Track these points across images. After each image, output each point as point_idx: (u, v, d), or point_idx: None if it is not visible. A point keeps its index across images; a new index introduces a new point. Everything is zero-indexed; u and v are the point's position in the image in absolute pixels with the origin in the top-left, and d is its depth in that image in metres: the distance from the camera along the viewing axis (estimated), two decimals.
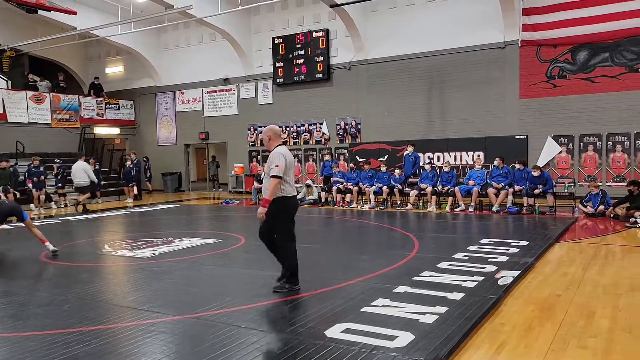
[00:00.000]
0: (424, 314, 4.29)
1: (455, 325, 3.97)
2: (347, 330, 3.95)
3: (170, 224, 11.33)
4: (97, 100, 20.16)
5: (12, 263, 7.30)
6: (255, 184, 14.70)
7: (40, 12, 14.75)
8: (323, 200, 13.87)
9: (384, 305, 4.57)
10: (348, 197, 13.30)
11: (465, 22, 14.27)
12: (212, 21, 16.33)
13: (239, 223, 11.50)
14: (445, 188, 12.07)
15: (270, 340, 3.85)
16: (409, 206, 12.29)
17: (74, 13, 15.69)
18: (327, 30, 16.41)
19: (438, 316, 4.22)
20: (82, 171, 14.02)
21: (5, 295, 5.35)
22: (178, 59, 19.84)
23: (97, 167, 16.58)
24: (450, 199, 11.97)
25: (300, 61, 16.88)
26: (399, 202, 12.57)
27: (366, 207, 12.76)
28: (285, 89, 17.49)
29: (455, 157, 14.51)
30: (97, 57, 21.95)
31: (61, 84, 20.04)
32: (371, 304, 4.62)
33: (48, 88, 18.96)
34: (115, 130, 20.99)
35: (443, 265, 6.09)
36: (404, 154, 13.57)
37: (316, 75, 16.64)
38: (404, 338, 3.75)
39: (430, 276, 5.57)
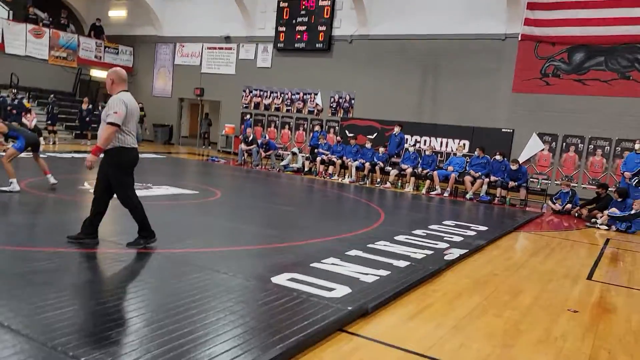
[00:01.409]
0: (366, 274, 4.63)
1: (390, 287, 4.31)
2: (292, 279, 4.28)
3: (152, 172, 11.57)
4: (96, 42, 20.11)
5: None
6: (242, 145, 14.93)
7: None
8: (306, 169, 14.15)
9: (332, 264, 4.90)
10: (331, 169, 13.59)
11: (469, 9, 14.35)
12: None
13: (219, 180, 11.79)
14: (425, 171, 12.38)
15: (220, 279, 4.17)
16: (388, 184, 12.60)
17: None
18: (334, 0, 16.41)
19: (378, 277, 4.56)
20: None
21: None
22: (182, 10, 19.73)
23: (90, 107, 16.73)
24: (428, 182, 12.29)
25: (303, 28, 16.91)
26: (379, 180, 12.89)
27: (347, 180, 13.06)
28: (285, 54, 17.55)
29: (441, 142, 14.76)
30: None
31: (62, 21, 19.93)
32: (321, 261, 4.95)
33: (48, 22, 18.84)
34: None
35: (400, 238, 6.42)
36: (391, 133, 13.82)
37: (317, 45, 16.71)
38: (341, 291, 4.08)
39: (384, 245, 5.90)
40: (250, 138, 14.99)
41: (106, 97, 20.04)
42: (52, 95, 16.30)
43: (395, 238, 6.37)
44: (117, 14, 21.61)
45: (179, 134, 21.11)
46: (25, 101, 15.78)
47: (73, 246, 4.68)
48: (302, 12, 16.88)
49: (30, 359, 2.58)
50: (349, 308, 3.69)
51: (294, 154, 14.75)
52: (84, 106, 16.74)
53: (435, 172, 12.13)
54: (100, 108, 16.96)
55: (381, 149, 13.21)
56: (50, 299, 3.41)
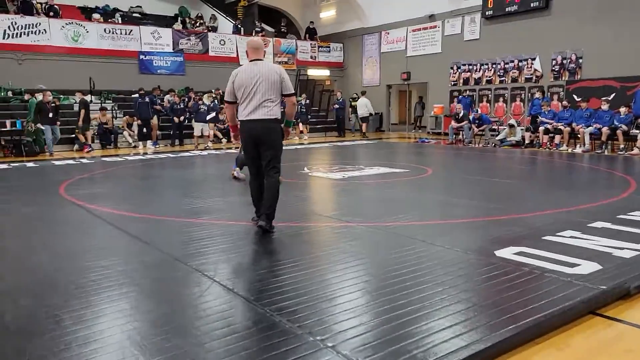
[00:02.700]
0: (620, 249, 3.71)
1: None
2: (520, 253, 3.66)
3: (364, 156, 11.82)
4: (311, 44, 21.63)
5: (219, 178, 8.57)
6: (453, 123, 14.18)
7: None
8: (527, 142, 12.68)
9: (571, 237, 4.08)
10: (557, 139, 11.89)
11: None
12: None
13: (430, 158, 11.35)
14: None
15: (435, 251, 3.81)
16: (636, 151, 10.41)
17: None
18: None
19: (639, 252, 3.60)
20: (364, 105, 17.93)
21: (223, 196, 6.38)
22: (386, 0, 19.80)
23: (307, 101, 18.11)
24: None
25: None
26: (622, 147, 10.74)
27: (579, 150, 11.25)
28: (494, 22, 16.07)
29: None
30: (313, 3, 23.32)
31: (282, 29, 22.00)
32: (556, 234, 4.16)
33: (272, 33, 20.99)
34: (326, 72, 22.32)
35: None
36: (637, 89, 11.38)
37: (532, 4, 14.84)
38: (587, 267, 3.31)
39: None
40: (461, 114, 14.14)
41: (322, 94, 21.64)
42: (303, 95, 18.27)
43: None
44: (328, 14, 22.87)
45: (388, 121, 21.33)
46: None
47: (299, 220, 4.88)
48: None
49: (246, 316, 2.64)
50: (603, 287, 2.93)
51: (511, 126, 13.37)
52: (302, 101, 18.17)
53: None
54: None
55: (622, 109, 10.99)
56: (270, 267, 3.54)
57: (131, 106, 14.79)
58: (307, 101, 18.54)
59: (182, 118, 14.69)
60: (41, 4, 16.10)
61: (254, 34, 20.21)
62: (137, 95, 14.29)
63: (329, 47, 22.00)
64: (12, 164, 10.17)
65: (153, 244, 4.06)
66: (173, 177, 8.62)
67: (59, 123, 12.29)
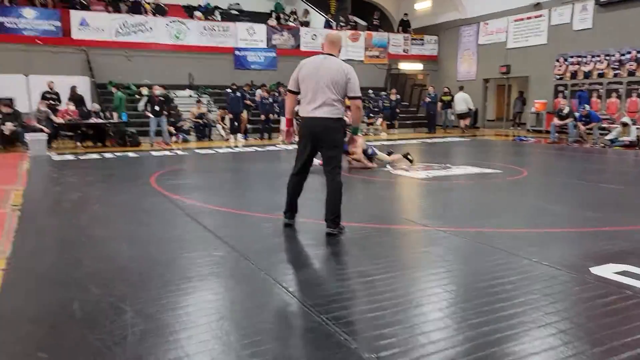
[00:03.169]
0: None
1: None
2: (623, 273, 3.17)
3: (453, 154, 11.25)
4: (404, 37, 21.07)
5: None
6: (555, 120, 13.05)
7: None
8: None
9: None
10: None
11: None
12: None
13: (527, 158, 10.52)
14: None
15: (520, 265, 3.42)
16: None
17: None
18: None
19: None
20: (462, 101, 17.54)
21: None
22: None
23: (398, 97, 17.67)
24: None
25: None
26: None
27: None
28: (610, 9, 14.51)
29: None
30: None
31: (374, 22, 21.68)
32: None
33: (364, 26, 20.77)
34: (419, 66, 21.63)
35: None
36: None
37: None
38: None
39: None
40: (566, 111, 12.96)
41: (413, 89, 21.15)
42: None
43: None
44: (423, 5, 22.13)
45: (484, 117, 20.21)
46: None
47: (373, 222, 4.69)
48: None
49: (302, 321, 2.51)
50: None
51: (624, 124, 11.99)
52: (392, 97, 17.74)
53: None
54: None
55: None
56: (336, 271, 3.39)
57: (225, 100, 15.38)
58: (398, 96, 18.07)
59: (270, 115, 15.01)
60: (149, 3, 17.24)
61: (338, 28, 20.10)
62: (229, 90, 14.81)
63: (423, 39, 21.30)
64: (116, 154, 10.98)
65: (224, 239, 4.07)
66: (256, 171, 8.77)
67: (165, 115, 12.94)
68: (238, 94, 14.62)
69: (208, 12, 19.90)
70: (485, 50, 19.12)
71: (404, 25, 21.41)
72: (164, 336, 2.37)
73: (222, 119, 15.05)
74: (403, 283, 3.10)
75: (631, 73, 14.18)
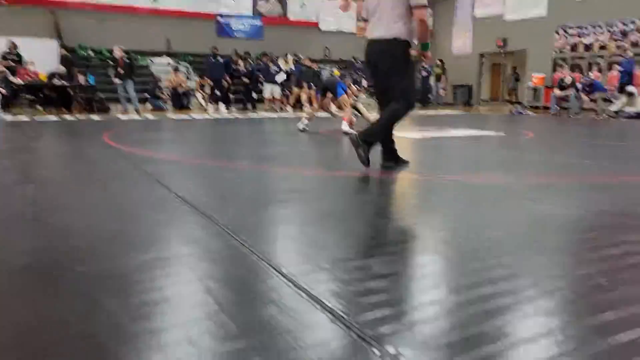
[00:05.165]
0: None
1: None
2: None
3: (450, 122, 10.41)
4: None
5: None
6: (556, 91, 12.25)
7: None
8: None
9: None
10: None
11: None
12: None
13: (530, 125, 9.65)
14: None
15: (539, 210, 2.58)
16: None
17: None
18: None
19: None
20: None
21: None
22: None
23: None
24: None
25: None
26: None
27: None
28: None
29: None
30: None
31: None
32: None
33: None
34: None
35: None
36: None
37: None
38: None
39: None
40: (568, 81, 12.16)
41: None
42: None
43: None
44: None
45: (478, 96, 19.39)
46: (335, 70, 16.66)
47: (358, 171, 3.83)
48: None
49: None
50: None
51: (630, 94, 11.21)
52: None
53: None
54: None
55: None
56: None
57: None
58: None
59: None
60: None
61: None
62: (210, 56, 13.80)
63: None
64: (77, 116, 9.96)
65: (171, 188, 3.19)
66: (231, 132, 7.86)
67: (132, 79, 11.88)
68: (220, 60, 13.60)
69: None
70: (481, 24, 18.25)
71: None
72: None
73: (202, 87, 14.05)
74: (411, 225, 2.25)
75: (635, 44, 13.41)
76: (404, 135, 6.79)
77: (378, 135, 3.55)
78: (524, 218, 2.41)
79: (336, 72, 16.70)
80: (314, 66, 14.34)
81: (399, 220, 2.56)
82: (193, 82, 14.29)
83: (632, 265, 1.75)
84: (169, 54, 15.32)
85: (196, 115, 11.43)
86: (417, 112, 13.26)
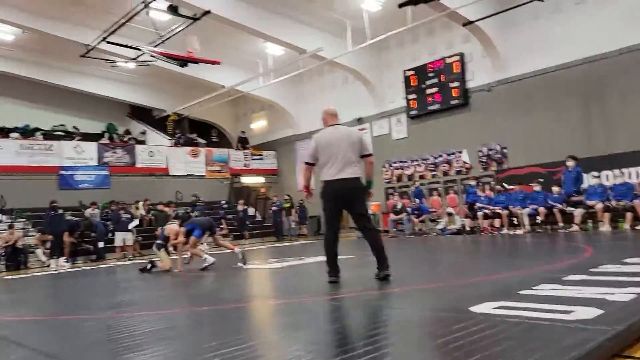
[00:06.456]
0: (612, 294, 3.13)
1: None
2: (501, 307, 2.98)
3: (305, 251, 11.04)
4: (244, 153, 21.57)
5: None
6: (392, 216, 13.94)
7: (191, 70, 15.99)
8: (468, 228, 12.52)
9: (551, 289, 3.49)
10: (497, 222, 11.81)
11: (634, 15, 12.14)
12: (343, 62, 16.60)
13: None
14: (622, 203, 10.00)
15: (398, 314, 3.04)
16: (575, 227, 10.41)
17: (218, 63, 16.29)
18: (462, 54, 15.57)
19: (637, 296, 3.03)
20: None
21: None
22: (314, 106, 20.22)
23: (245, 208, 17.43)
24: (629, 215, 9.86)
25: (433, 90, 16.15)
26: (561, 225, 10.73)
27: (520, 231, 11.15)
28: (419, 121, 16.78)
29: (629, 174, 12.05)
30: (244, 114, 23.74)
31: (213, 139, 21.94)
32: (532, 287, 3.56)
33: (204, 143, 20.81)
34: (261, 179, 22.03)
35: (633, 260, 4.67)
36: (564, 170, 11.70)
37: (452, 102, 15.70)
38: (587, 312, 2.68)
39: (615, 267, 4.26)
40: (400, 206, 13.97)
41: (257, 200, 21.08)
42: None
43: (626, 260, 4.63)
44: (259, 124, 23.24)
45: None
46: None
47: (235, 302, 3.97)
48: (430, 75, 16.23)
49: None
50: (618, 327, 2.28)
51: (449, 214, 13.27)
52: (240, 208, 17.49)
53: (637, 201, 9.72)
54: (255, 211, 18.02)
55: (555, 189, 11.19)
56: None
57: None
58: (245, 207, 17.86)
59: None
60: None
61: (179, 146, 19.94)
62: (50, 209, 13.04)
63: (262, 154, 22.03)
64: None
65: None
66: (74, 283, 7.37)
67: None
68: (60, 211, 12.89)
69: (27, 134, 18.10)
70: None
71: (243, 142, 22.04)
72: None
73: (43, 242, 12.99)
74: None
75: (445, 173, 16.14)
76: (265, 266, 7.13)
77: (386, 257, 4.50)
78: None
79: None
80: (168, 209, 14.41)
81: None
82: (32, 238, 13.18)
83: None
84: (2, 212, 14.10)
85: (34, 273, 10.41)
86: (277, 244, 13.84)
